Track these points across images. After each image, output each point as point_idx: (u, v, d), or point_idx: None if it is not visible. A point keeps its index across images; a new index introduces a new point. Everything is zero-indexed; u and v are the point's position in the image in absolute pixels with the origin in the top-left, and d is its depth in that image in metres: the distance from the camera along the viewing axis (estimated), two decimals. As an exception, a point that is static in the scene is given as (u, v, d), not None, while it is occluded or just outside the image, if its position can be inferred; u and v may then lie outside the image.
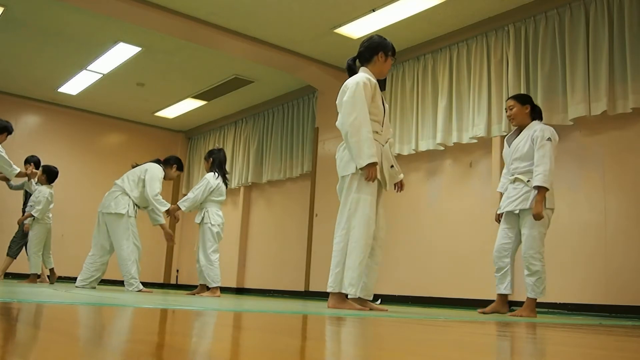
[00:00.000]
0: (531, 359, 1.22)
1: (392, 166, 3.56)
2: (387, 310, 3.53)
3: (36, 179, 6.53)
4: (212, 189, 5.51)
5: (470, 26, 5.76)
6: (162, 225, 5.62)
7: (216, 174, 5.62)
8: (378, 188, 3.45)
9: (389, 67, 3.62)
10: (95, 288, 5.45)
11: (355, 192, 3.30)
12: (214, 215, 5.50)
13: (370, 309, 3.45)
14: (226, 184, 5.72)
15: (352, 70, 3.60)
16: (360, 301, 3.41)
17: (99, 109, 9.54)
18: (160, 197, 5.49)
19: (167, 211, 5.48)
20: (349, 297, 3.34)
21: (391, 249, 6.32)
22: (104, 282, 5.63)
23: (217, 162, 5.70)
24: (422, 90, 6.15)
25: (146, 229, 6.24)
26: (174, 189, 10.17)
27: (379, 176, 3.36)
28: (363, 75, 3.45)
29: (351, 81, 3.44)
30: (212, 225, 5.46)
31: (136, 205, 5.52)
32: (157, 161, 5.73)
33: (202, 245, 5.50)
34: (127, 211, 5.36)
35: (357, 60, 3.63)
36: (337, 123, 3.46)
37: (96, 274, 5.45)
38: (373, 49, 3.57)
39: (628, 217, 4.52)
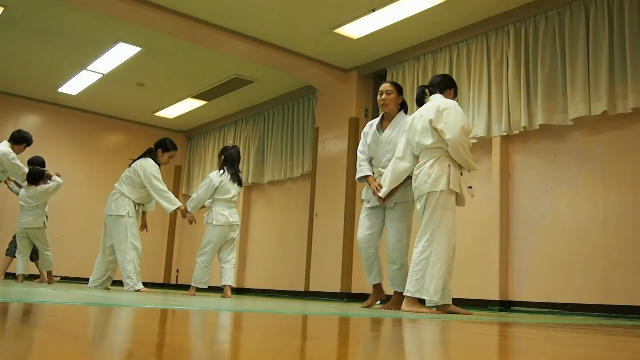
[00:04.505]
0: (531, 358, 1.22)
1: (469, 187, 3.80)
2: (472, 314, 3.72)
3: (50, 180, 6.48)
4: (215, 187, 5.37)
5: (470, 26, 5.76)
6: (180, 210, 5.44)
7: (221, 171, 5.47)
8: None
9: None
10: (109, 289, 5.43)
11: (440, 209, 3.56)
12: (217, 214, 5.37)
13: (455, 312, 3.65)
14: (239, 182, 5.53)
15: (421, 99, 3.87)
16: (443, 307, 3.64)
17: (99, 109, 9.54)
18: (168, 194, 5.45)
19: (183, 214, 5.46)
20: (428, 303, 3.63)
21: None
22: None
23: (228, 160, 5.52)
24: (422, 90, 6.15)
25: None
26: (174, 189, 10.14)
27: (457, 191, 3.64)
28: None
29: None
30: (213, 225, 5.39)
31: (137, 204, 5.51)
32: (149, 151, 5.69)
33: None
34: (127, 212, 5.39)
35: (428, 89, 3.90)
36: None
37: (107, 272, 5.51)
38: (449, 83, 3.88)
39: (628, 217, 4.52)
